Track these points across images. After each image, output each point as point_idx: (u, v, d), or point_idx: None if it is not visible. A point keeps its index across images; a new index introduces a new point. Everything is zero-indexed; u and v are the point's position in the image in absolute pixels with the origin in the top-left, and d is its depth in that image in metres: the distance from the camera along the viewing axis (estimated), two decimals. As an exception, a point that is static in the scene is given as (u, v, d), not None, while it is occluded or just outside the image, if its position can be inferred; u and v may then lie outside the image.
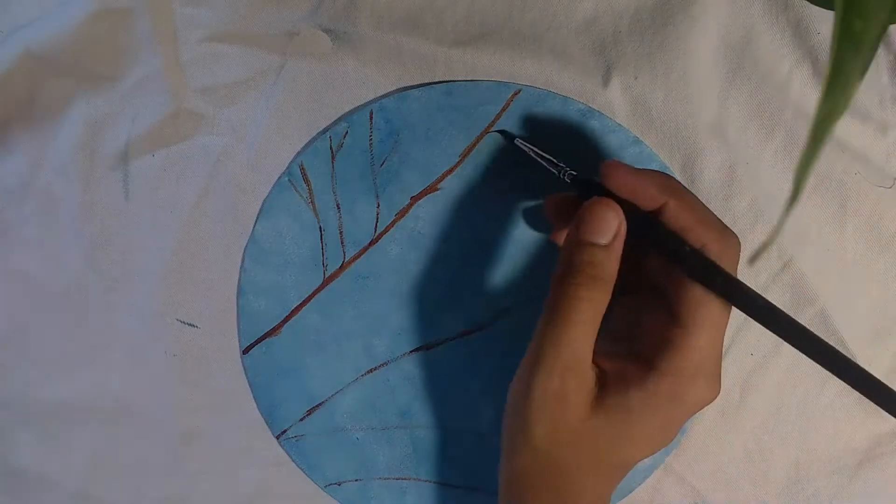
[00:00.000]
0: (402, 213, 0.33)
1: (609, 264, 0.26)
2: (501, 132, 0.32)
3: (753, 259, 0.14)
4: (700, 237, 0.25)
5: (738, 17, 0.32)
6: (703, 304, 0.25)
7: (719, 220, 0.26)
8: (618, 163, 0.27)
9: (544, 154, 0.30)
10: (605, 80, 0.32)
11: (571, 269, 0.26)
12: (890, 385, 0.34)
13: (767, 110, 0.32)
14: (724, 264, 0.25)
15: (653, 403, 0.25)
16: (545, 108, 0.32)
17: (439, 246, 0.33)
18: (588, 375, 0.26)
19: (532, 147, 0.30)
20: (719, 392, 0.26)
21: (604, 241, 0.26)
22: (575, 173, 0.29)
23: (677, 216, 0.26)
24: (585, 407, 0.25)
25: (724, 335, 0.26)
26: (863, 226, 0.33)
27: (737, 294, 0.24)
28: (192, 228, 0.34)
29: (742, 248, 0.33)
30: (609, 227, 0.26)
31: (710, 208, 0.33)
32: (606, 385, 0.26)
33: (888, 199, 0.33)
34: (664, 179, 0.27)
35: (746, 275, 0.34)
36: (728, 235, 0.26)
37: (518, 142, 0.31)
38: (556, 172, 0.29)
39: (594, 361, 0.26)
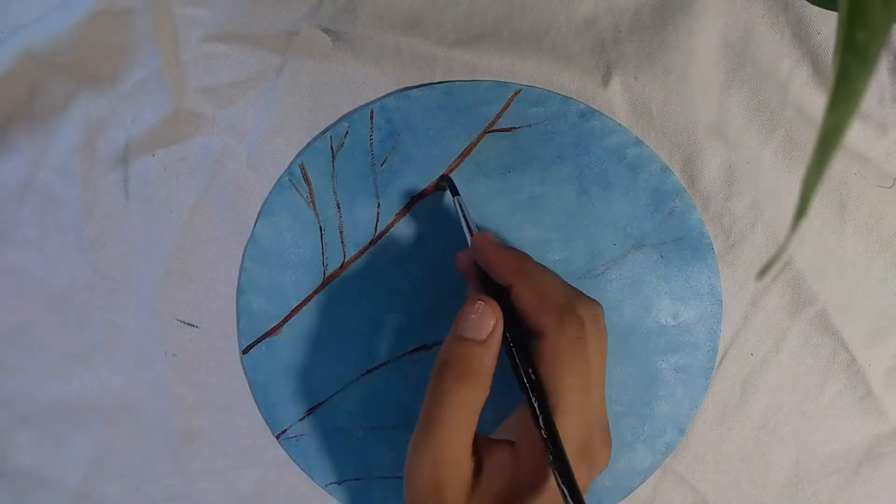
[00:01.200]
0: (403, 212, 0.33)
1: (483, 360, 0.26)
2: (449, 183, 0.32)
3: (762, 273, 0.14)
4: (539, 321, 0.26)
5: (738, 17, 0.32)
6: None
7: (564, 301, 0.26)
8: (484, 237, 0.28)
9: (469, 222, 0.30)
10: (605, 80, 0.32)
11: (444, 363, 0.26)
12: (890, 384, 0.35)
13: (767, 110, 0.32)
14: (560, 347, 0.25)
15: (516, 494, 0.25)
16: (545, 108, 0.32)
17: (440, 246, 0.33)
18: (463, 466, 0.26)
19: (463, 212, 0.30)
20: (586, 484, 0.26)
21: (479, 337, 0.26)
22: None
23: (519, 299, 0.26)
24: (462, 496, 0.26)
25: (583, 423, 0.25)
26: (863, 226, 0.33)
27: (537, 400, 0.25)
28: (192, 228, 0.34)
29: (742, 247, 0.33)
30: (485, 324, 0.26)
31: (710, 208, 0.33)
32: (483, 473, 0.26)
33: (888, 199, 0.33)
34: (515, 262, 0.27)
35: (747, 277, 0.34)
36: (566, 319, 0.25)
37: (456, 199, 0.31)
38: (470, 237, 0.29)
39: (479, 449, 0.26)
